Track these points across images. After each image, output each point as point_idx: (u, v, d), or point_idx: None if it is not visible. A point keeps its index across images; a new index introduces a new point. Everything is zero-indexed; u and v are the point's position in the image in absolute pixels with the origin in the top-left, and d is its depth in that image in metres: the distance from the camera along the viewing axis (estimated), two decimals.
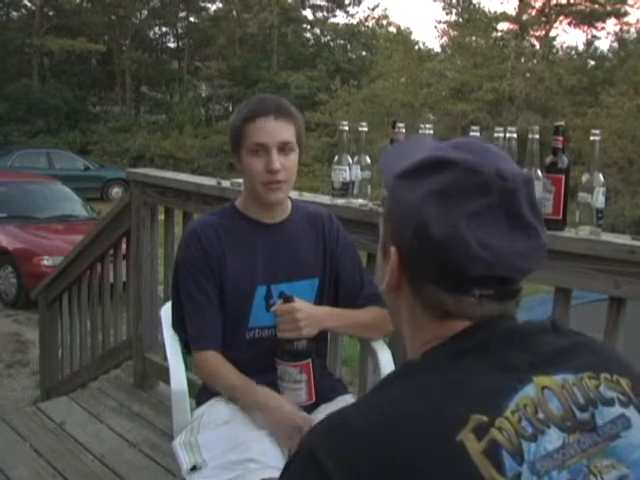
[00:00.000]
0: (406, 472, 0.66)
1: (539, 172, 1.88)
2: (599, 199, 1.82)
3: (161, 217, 3.24)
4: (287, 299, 1.61)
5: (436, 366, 0.76)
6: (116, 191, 15.96)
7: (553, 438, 0.70)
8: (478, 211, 0.74)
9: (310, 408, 1.66)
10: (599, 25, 22.68)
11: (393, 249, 0.81)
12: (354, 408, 0.78)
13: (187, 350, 1.79)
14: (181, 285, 1.72)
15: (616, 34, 22.63)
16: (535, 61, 20.99)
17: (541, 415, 0.71)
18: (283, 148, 1.62)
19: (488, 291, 0.77)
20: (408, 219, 0.77)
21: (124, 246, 3.52)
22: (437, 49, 25.31)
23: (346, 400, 1.76)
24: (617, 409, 0.75)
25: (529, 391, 0.72)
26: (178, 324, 1.78)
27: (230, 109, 25.69)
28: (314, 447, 0.72)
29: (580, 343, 0.81)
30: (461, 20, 24.06)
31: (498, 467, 0.67)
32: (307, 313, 1.61)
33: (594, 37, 23.26)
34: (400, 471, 0.66)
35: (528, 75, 19.77)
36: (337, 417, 0.75)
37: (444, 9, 24.64)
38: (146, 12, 26.14)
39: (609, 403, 0.75)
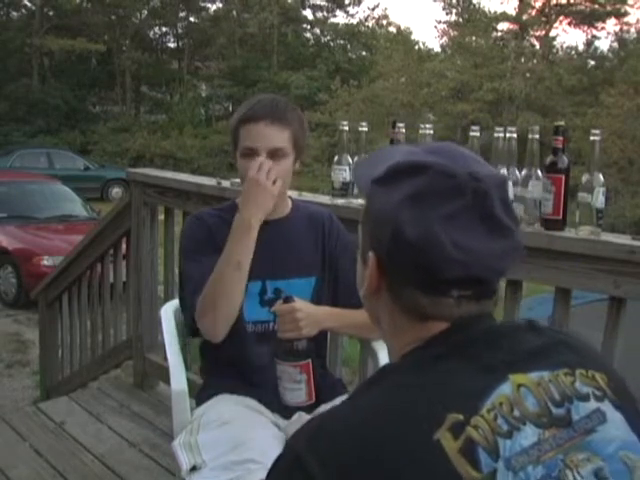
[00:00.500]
0: (388, 472, 0.68)
1: (539, 172, 1.89)
2: (599, 199, 1.82)
3: (161, 217, 3.24)
4: (287, 299, 1.61)
5: (415, 368, 0.77)
6: (116, 191, 15.96)
7: (528, 434, 0.72)
8: (453, 213, 0.76)
9: (310, 408, 1.66)
10: (599, 25, 22.70)
11: (371, 254, 0.82)
12: (336, 410, 0.79)
13: (192, 334, 1.77)
14: (182, 259, 1.72)
15: (616, 34, 22.68)
16: (535, 61, 21.01)
17: (517, 412, 0.72)
18: (274, 154, 1.62)
19: (466, 292, 0.78)
20: (385, 223, 0.78)
21: (124, 246, 3.52)
22: (437, 49, 25.40)
23: None
24: (592, 404, 0.76)
25: (505, 389, 0.73)
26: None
27: (230, 109, 25.67)
28: (298, 449, 0.73)
29: (557, 341, 0.83)
30: (461, 20, 24.08)
31: (474, 464, 0.68)
32: (307, 313, 1.60)
33: (594, 37, 23.32)
34: (382, 471, 0.68)
35: (528, 75, 19.78)
36: (320, 420, 0.77)
37: (444, 9, 24.71)
38: (146, 12, 26.13)
39: (584, 398, 0.76)
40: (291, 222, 1.75)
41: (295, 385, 1.60)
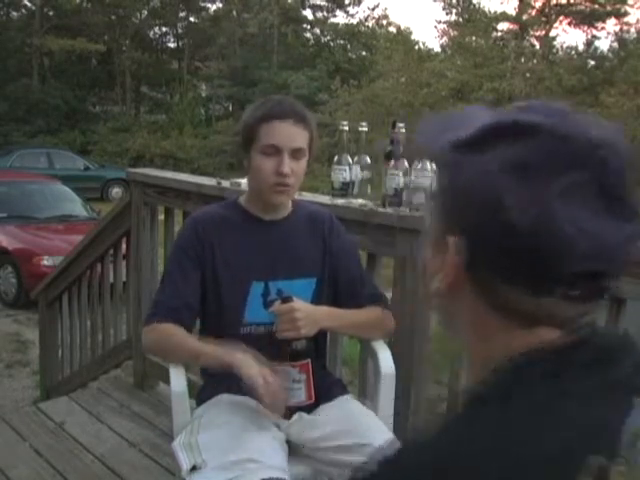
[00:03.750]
0: None
1: None
2: None
3: (161, 217, 3.24)
4: (286, 299, 1.61)
5: (528, 390, 0.61)
6: (116, 191, 15.95)
7: None
8: (570, 188, 0.58)
9: (310, 408, 1.66)
10: (599, 25, 22.68)
11: (452, 239, 0.64)
12: (437, 442, 0.62)
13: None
14: (168, 262, 1.76)
15: (616, 34, 22.65)
16: (535, 61, 21.00)
17: None
18: (295, 153, 1.63)
19: (575, 291, 0.61)
20: (478, 199, 0.61)
21: (124, 246, 3.52)
22: (437, 49, 25.35)
23: (346, 400, 1.76)
24: None
25: (638, 418, 0.62)
26: None
27: (230, 109, 25.70)
28: None
29: None
30: (461, 20, 24.07)
31: None
32: (306, 313, 1.61)
33: (594, 37, 23.29)
34: None
35: (528, 75, 19.78)
36: (416, 455, 0.61)
37: (444, 9, 24.68)
38: (146, 12, 26.14)
39: None
40: (292, 222, 1.76)
41: (295, 385, 1.60)
